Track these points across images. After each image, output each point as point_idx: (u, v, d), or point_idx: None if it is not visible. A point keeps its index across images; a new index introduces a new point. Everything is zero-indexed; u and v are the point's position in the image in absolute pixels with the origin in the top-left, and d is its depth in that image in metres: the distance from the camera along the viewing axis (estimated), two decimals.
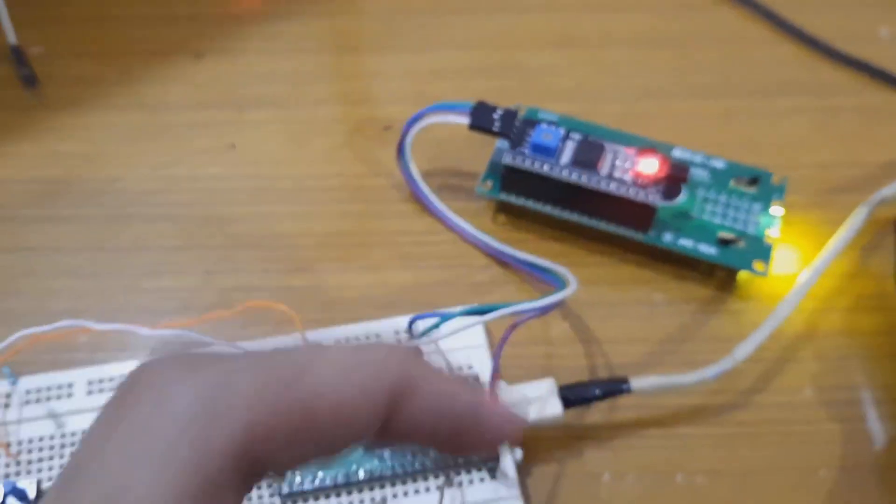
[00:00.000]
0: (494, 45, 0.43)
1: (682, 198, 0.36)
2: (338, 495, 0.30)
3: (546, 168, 0.34)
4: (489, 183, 0.37)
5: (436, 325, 0.29)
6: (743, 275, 0.35)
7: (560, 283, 0.33)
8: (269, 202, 0.38)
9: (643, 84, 0.42)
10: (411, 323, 0.30)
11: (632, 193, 0.34)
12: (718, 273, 0.36)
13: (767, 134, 0.40)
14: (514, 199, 0.36)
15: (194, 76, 0.42)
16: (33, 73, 0.41)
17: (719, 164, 0.37)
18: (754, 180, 0.36)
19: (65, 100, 0.41)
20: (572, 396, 0.31)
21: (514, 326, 0.29)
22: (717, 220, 0.35)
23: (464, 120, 0.35)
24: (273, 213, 0.38)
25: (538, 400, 0.31)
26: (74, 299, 0.35)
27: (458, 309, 0.28)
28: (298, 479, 0.30)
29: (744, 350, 0.32)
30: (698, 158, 0.37)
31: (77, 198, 0.38)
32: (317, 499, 0.30)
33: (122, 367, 0.32)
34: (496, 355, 0.28)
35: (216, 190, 0.38)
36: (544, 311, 0.29)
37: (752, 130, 0.40)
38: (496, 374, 0.28)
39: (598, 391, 0.31)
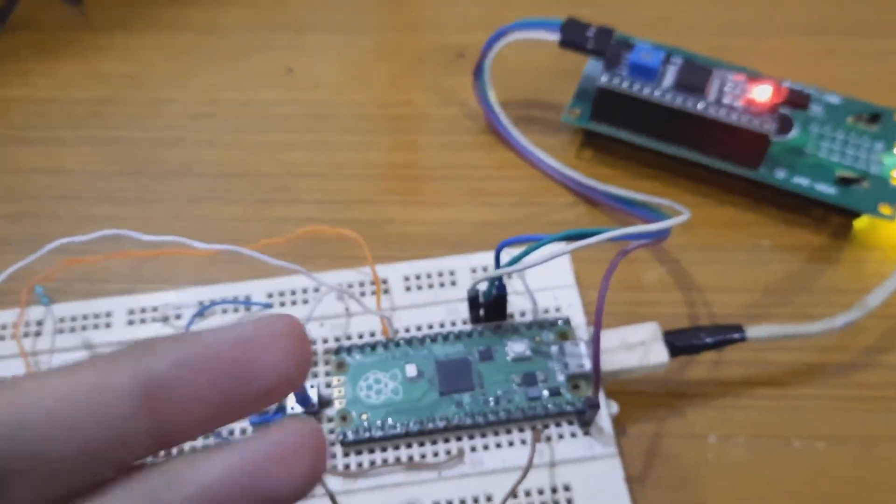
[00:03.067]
0: None
1: (794, 133, 0.31)
2: (408, 445, 0.25)
3: (646, 91, 0.29)
4: (577, 110, 0.32)
5: (525, 253, 0.24)
6: (861, 222, 0.31)
7: (659, 217, 0.29)
8: (328, 130, 0.33)
9: (737, 18, 0.37)
10: (499, 250, 0.25)
11: (744, 122, 0.29)
12: (833, 219, 0.31)
13: (877, 74, 0.35)
14: (605, 129, 0.31)
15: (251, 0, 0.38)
16: None
17: (834, 99, 0.32)
18: (875, 117, 0.31)
19: (111, 19, 0.37)
20: (680, 343, 0.26)
21: (624, 253, 0.24)
22: (836, 159, 0.30)
23: (553, 37, 0.30)
24: (331, 142, 0.33)
25: (640, 346, 0.26)
26: (113, 224, 0.31)
27: (557, 234, 0.24)
28: (365, 425, 0.25)
29: (877, 298, 0.27)
30: (811, 92, 0.32)
31: (121, 119, 0.34)
32: (384, 449, 0.25)
33: (165, 297, 0.28)
34: (603, 290, 0.23)
35: (270, 116, 0.34)
36: (659, 237, 0.24)
37: (859, 70, 0.35)
38: (600, 313, 0.23)
39: (708, 338, 0.26)
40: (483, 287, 0.26)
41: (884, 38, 0.36)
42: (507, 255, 0.25)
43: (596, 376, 0.24)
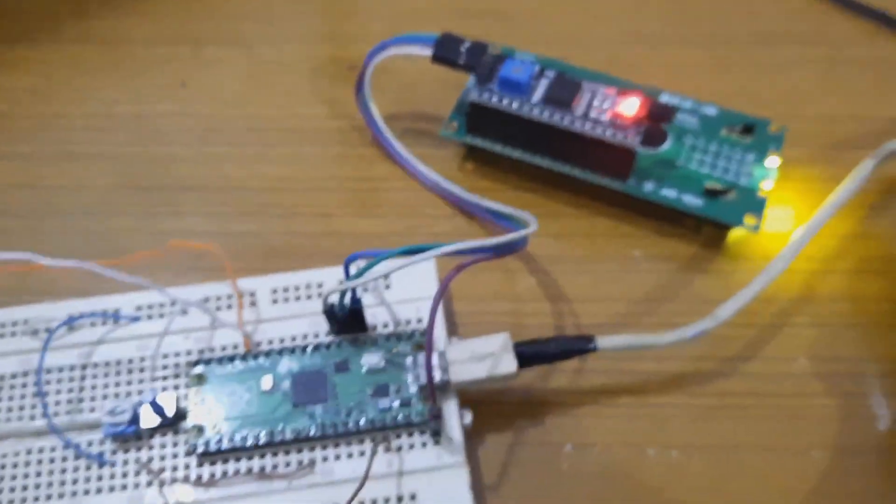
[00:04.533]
0: None
1: (667, 146, 0.31)
2: (261, 456, 0.25)
3: (515, 106, 0.30)
4: (455, 124, 0.32)
5: (370, 266, 0.24)
6: (733, 233, 0.31)
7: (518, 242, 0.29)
8: (219, 143, 0.34)
9: (633, 30, 0.37)
10: (347, 263, 0.25)
11: (609, 136, 0.29)
12: (706, 230, 0.31)
13: (768, 85, 0.35)
14: (480, 142, 0.31)
15: (152, 10, 0.38)
16: None
17: (711, 110, 0.32)
18: (749, 128, 0.31)
19: (15, 32, 0.37)
20: (528, 353, 0.26)
21: (460, 268, 0.24)
22: (706, 170, 0.31)
23: (427, 52, 0.31)
24: (221, 155, 0.33)
25: (490, 357, 0.26)
26: (1, 241, 0.31)
27: (398, 248, 0.24)
28: (217, 438, 0.25)
29: (728, 309, 0.27)
30: (688, 104, 0.32)
31: (16, 134, 0.34)
32: (238, 459, 0.25)
33: (34, 310, 0.28)
34: (435, 300, 0.24)
35: (163, 129, 0.34)
36: (498, 251, 0.24)
37: (751, 81, 0.35)
38: (431, 324, 0.24)
39: (557, 349, 0.26)
40: (335, 298, 0.26)
41: (779, 47, 0.36)
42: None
43: (430, 386, 0.24)
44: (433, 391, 0.24)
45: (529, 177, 0.32)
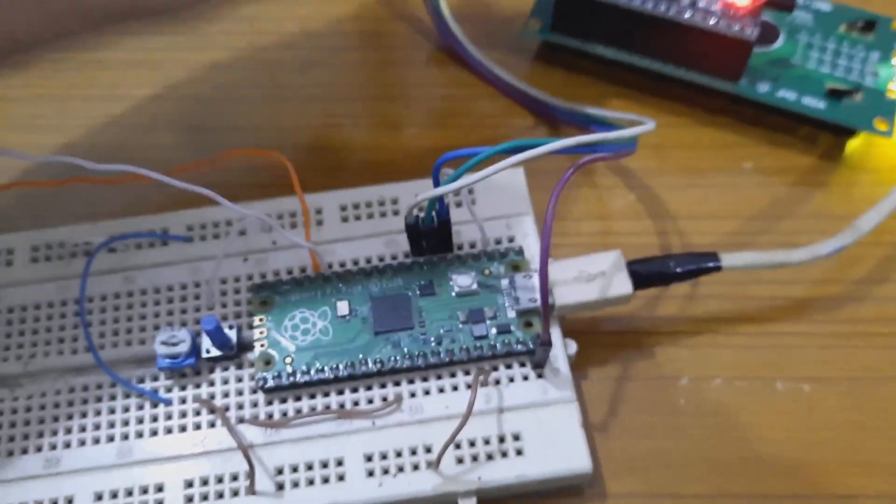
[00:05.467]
0: None
1: (779, 43, 0.27)
2: (339, 392, 0.22)
3: None
4: (537, 21, 0.28)
5: (467, 167, 0.21)
6: (853, 142, 0.27)
7: (627, 145, 0.25)
8: (270, 49, 0.30)
9: None
10: (438, 166, 0.21)
11: (722, 27, 0.25)
12: (823, 139, 0.27)
13: None
14: (568, 41, 0.27)
15: None
16: None
17: (824, 6, 0.28)
18: (870, 25, 0.28)
19: None
20: (645, 273, 0.23)
21: (578, 166, 0.20)
22: (826, 70, 0.27)
23: None
24: (274, 61, 0.29)
25: (600, 276, 0.23)
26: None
27: (499, 145, 0.20)
28: (288, 371, 0.22)
29: (869, 221, 0.24)
30: None
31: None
32: (312, 395, 0.22)
33: (74, 232, 0.25)
34: (551, 206, 0.20)
35: (207, 33, 0.30)
36: (621, 150, 0.21)
37: None
38: (548, 230, 0.20)
39: (678, 267, 0.23)
40: (422, 213, 0.22)
41: None
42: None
43: (544, 309, 0.20)
44: (547, 315, 0.21)
45: (620, 81, 0.28)
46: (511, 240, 0.24)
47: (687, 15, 0.25)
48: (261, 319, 0.23)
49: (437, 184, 0.22)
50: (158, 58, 0.30)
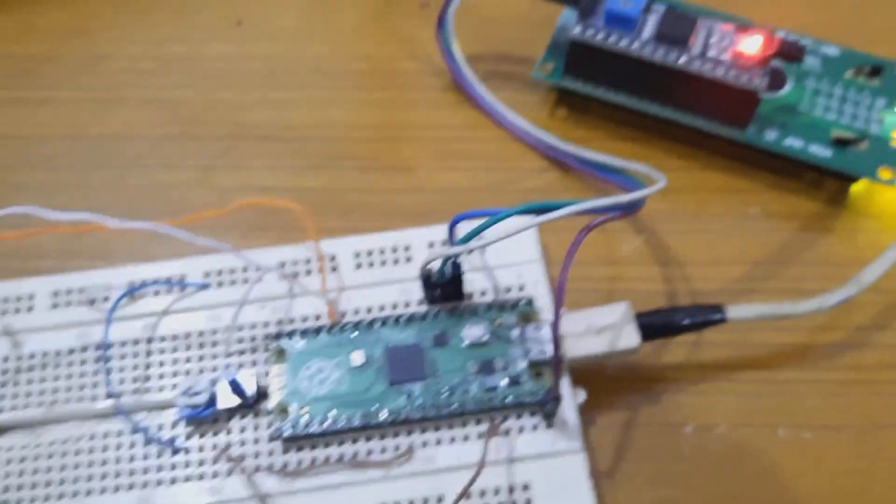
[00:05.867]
0: None
1: (787, 89, 0.28)
2: (354, 441, 0.23)
3: (624, 44, 0.26)
4: (550, 65, 0.28)
5: (482, 228, 0.21)
6: (858, 186, 0.27)
7: (635, 184, 0.26)
8: (281, 87, 0.30)
9: None
10: (453, 225, 0.22)
11: (731, 77, 0.25)
12: (828, 184, 0.28)
13: (884, 17, 0.31)
14: (579, 87, 0.28)
15: None
16: None
17: (832, 50, 0.29)
18: (876, 70, 0.28)
19: None
20: (653, 325, 0.23)
21: (588, 229, 0.21)
22: (832, 117, 0.27)
23: None
24: (285, 101, 0.30)
25: (609, 329, 0.23)
26: (46, 195, 0.28)
27: (515, 208, 0.21)
28: (304, 421, 0.22)
29: (873, 273, 0.24)
30: (806, 43, 0.29)
31: (56, 77, 0.31)
32: (328, 445, 0.23)
33: (93, 277, 0.25)
34: (564, 268, 0.20)
35: (221, 72, 0.31)
36: (629, 210, 0.21)
37: (864, 13, 0.31)
38: (561, 292, 0.20)
39: (685, 320, 0.23)
40: (436, 266, 0.23)
41: None
42: (464, 230, 0.22)
43: (556, 367, 0.21)
44: (559, 369, 0.21)
45: (629, 124, 0.29)
46: (521, 287, 0.25)
47: (696, 65, 0.26)
48: (277, 369, 0.23)
49: (451, 240, 0.22)
50: (171, 96, 0.30)
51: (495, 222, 0.21)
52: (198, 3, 0.32)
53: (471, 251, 0.21)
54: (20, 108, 0.30)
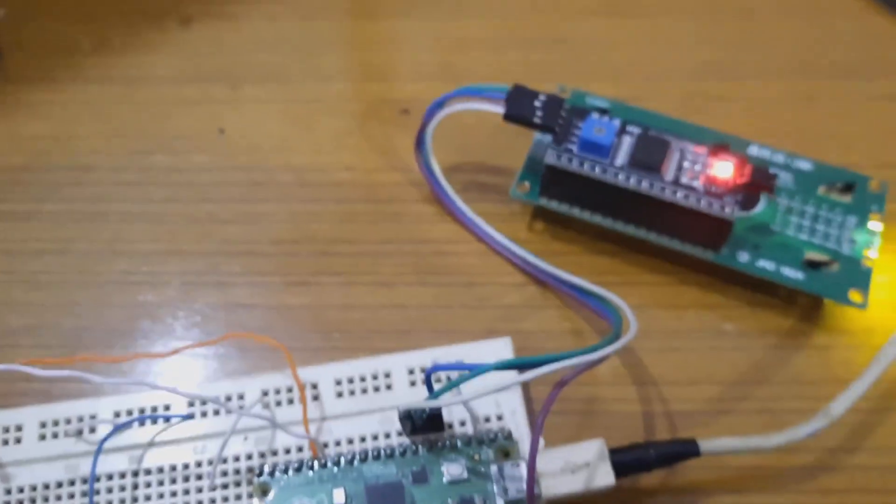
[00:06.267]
0: (534, 11, 0.35)
1: (760, 207, 0.28)
2: None
3: (598, 170, 0.27)
4: (526, 185, 0.29)
5: (458, 382, 0.22)
6: (831, 303, 0.28)
7: (611, 313, 0.26)
8: (263, 200, 0.31)
9: (707, 60, 0.34)
10: (429, 374, 0.22)
11: (704, 205, 0.26)
12: (801, 299, 0.28)
13: (858, 124, 0.32)
14: (555, 206, 0.28)
15: (182, 45, 0.35)
16: None
17: (805, 165, 0.29)
18: (848, 187, 0.28)
19: (30, 72, 0.34)
20: (626, 462, 0.24)
21: (560, 385, 0.21)
22: (804, 237, 0.28)
23: (497, 108, 0.28)
24: (268, 214, 0.30)
25: (584, 467, 0.24)
26: (29, 315, 0.28)
27: (491, 362, 0.21)
28: None
29: (842, 404, 0.25)
30: (779, 158, 0.29)
31: (39, 190, 0.31)
32: None
33: (80, 407, 0.26)
34: (538, 426, 0.21)
35: (202, 184, 0.31)
36: (598, 363, 0.22)
37: (839, 120, 0.32)
38: (534, 450, 0.21)
39: (657, 456, 0.24)
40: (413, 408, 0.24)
41: (869, 81, 0.33)
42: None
43: None
44: None
45: (606, 239, 0.29)
46: (500, 416, 0.25)
47: (669, 192, 0.26)
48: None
49: (429, 389, 0.23)
50: (155, 210, 0.31)
51: (472, 377, 0.21)
52: (179, 112, 0.33)
53: (447, 405, 0.22)
54: (5, 222, 0.30)
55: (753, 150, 0.29)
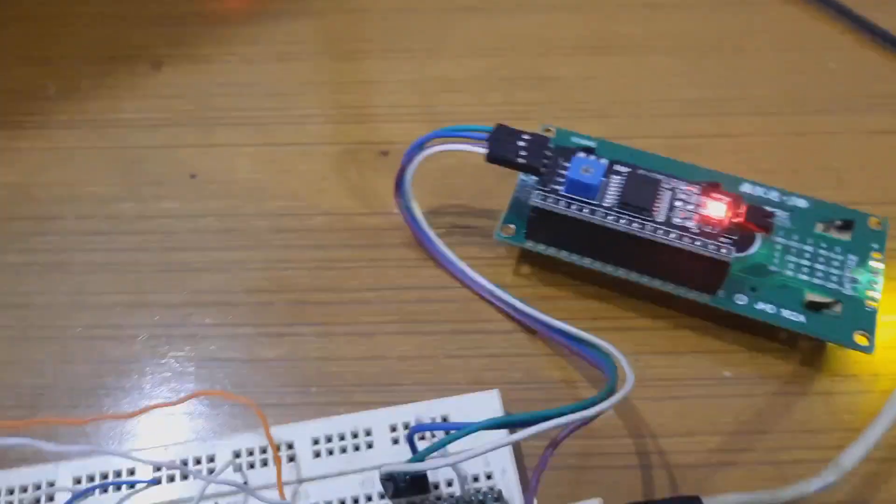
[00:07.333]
0: (516, 50, 0.34)
1: (756, 247, 0.27)
2: None
3: (586, 212, 0.25)
4: (511, 227, 0.27)
5: (444, 442, 0.20)
6: (834, 346, 0.26)
7: (605, 362, 0.24)
8: (237, 247, 0.29)
9: (695, 97, 0.32)
10: (411, 436, 0.21)
11: (699, 246, 0.25)
12: (802, 343, 0.27)
13: (853, 160, 0.31)
14: (542, 249, 0.27)
15: (153, 89, 0.33)
16: None
17: (801, 202, 0.28)
18: (847, 224, 0.27)
19: None
20: None
21: (554, 445, 0.20)
22: (804, 277, 0.26)
23: (479, 149, 0.26)
24: (242, 261, 0.29)
25: None
26: None
27: (479, 421, 0.19)
28: None
29: (853, 455, 0.23)
30: (773, 195, 0.28)
31: (1, 241, 0.29)
32: None
33: (37, 473, 0.24)
34: (532, 489, 0.19)
35: (172, 231, 0.29)
36: (593, 419, 0.20)
37: (833, 155, 0.31)
38: None
39: None
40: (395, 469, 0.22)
41: (862, 115, 0.32)
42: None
43: None
44: None
45: (595, 282, 0.28)
46: (489, 476, 0.23)
47: (662, 233, 0.25)
48: None
49: (412, 449, 0.21)
50: (122, 259, 0.29)
51: (458, 438, 0.19)
52: (149, 157, 0.31)
53: (432, 468, 0.20)
54: None
55: (746, 188, 0.28)
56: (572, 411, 0.20)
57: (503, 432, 0.21)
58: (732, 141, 0.31)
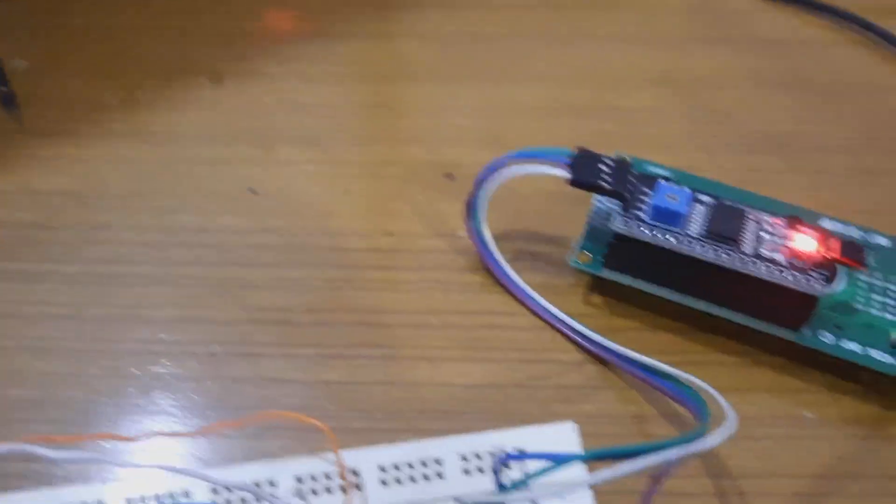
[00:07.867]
0: (582, 80, 0.33)
1: (840, 285, 0.26)
2: None
3: (673, 240, 0.24)
4: (587, 255, 0.26)
5: (539, 473, 0.18)
6: None
7: (690, 397, 0.23)
8: (298, 265, 0.28)
9: (764, 132, 0.32)
10: (500, 463, 0.19)
11: (789, 280, 0.23)
12: (884, 384, 0.25)
13: None
14: (618, 277, 0.26)
15: (212, 104, 0.32)
16: (12, 91, 0.31)
17: (882, 240, 0.27)
18: None
19: (50, 126, 0.31)
20: None
21: (657, 480, 0.18)
22: (890, 315, 0.25)
23: (561, 172, 0.25)
24: (302, 281, 0.27)
25: None
26: (34, 386, 0.25)
27: (579, 451, 0.18)
28: None
29: None
30: (854, 232, 0.27)
31: (54, 250, 0.28)
32: None
33: (81, 494, 0.22)
34: None
35: (231, 247, 0.28)
36: (701, 454, 0.19)
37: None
38: None
39: None
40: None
41: None
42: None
43: None
44: None
45: (668, 314, 0.26)
46: None
47: (749, 265, 0.24)
48: None
49: (498, 479, 0.19)
50: (177, 273, 0.28)
51: (555, 469, 0.18)
52: (208, 171, 0.30)
53: (519, 502, 0.19)
54: (12, 283, 0.27)
55: (825, 224, 0.27)
56: (674, 445, 0.18)
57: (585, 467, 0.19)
58: (804, 176, 0.30)
